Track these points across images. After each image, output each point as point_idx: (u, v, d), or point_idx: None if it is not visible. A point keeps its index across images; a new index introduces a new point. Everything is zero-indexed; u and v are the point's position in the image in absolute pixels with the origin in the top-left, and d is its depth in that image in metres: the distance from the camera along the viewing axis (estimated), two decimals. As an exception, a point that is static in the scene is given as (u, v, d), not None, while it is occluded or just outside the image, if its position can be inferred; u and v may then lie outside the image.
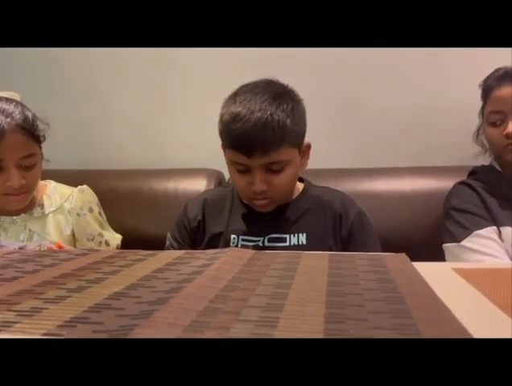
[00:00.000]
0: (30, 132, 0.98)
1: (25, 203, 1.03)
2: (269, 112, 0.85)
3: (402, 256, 0.60)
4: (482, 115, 1.09)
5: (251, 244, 0.93)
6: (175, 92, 1.47)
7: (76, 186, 1.15)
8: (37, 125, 1.00)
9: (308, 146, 0.97)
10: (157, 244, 1.03)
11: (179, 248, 0.97)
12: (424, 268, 0.56)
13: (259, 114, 0.85)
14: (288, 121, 0.87)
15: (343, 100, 1.39)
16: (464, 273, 0.53)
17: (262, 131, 0.84)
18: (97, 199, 1.16)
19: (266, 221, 0.95)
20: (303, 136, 0.94)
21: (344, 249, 0.94)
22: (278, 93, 0.89)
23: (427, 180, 1.24)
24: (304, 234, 0.94)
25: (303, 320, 0.37)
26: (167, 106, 1.48)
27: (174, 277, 0.50)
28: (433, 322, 0.37)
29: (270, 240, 0.94)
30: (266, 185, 0.88)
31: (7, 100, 0.99)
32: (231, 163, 0.92)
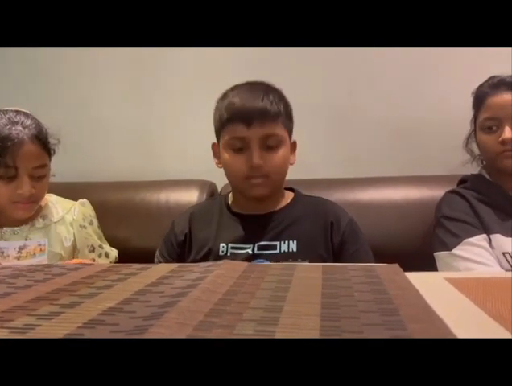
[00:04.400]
0: (45, 144, 1.04)
1: (31, 213, 1.06)
2: (266, 93, 0.94)
3: (395, 266, 0.60)
4: (474, 122, 1.10)
5: (241, 251, 0.94)
6: (167, 103, 1.47)
7: (68, 198, 1.16)
8: (49, 139, 1.06)
9: (295, 144, 1.01)
10: (150, 256, 1.03)
11: (167, 264, 0.98)
12: (417, 278, 0.56)
13: (257, 93, 0.93)
14: (281, 105, 0.95)
15: (335, 111, 1.40)
16: (457, 283, 0.53)
17: (261, 101, 0.92)
18: (94, 212, 1.18)
19: (256, 229, 0.95)
20: (292, 129, 1.00)
21: (336, 258, 0.95)
22: (271, 87, 0.97)
23: (418, 189, 1.25)
24: (295, 241, 0.94)
25: (298, 333, 0.37)
26: (159, 117, 1.48)
27: (168, 290, 0.50)
28: (427, 332, 0.37)
29: (259, 248, 0.94)
30: (263, 160, 0.92)
31: (24, 113, 1.05)
32: (228, 144, 0.95)
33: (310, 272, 0.57)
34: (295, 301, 0.46)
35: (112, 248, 1.19)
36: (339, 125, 1.40)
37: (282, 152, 0.94)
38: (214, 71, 1.40)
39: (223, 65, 1.40)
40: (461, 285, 0.52)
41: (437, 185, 1.21)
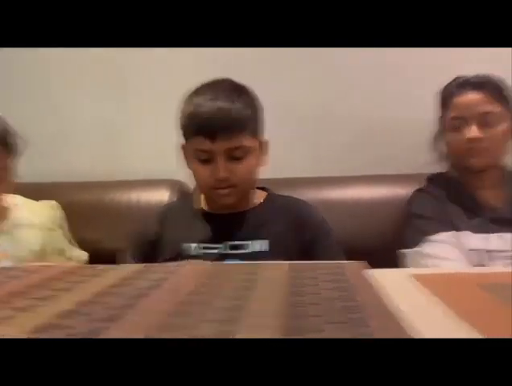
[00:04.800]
0: (4, 143, 1.00)
1: None
2: (231, 100, 0.89)
3: (363, 263, 0.60)
4: (441, 122, 1.12)
5: (212, 251, 0.93)
6: (135, 103, 1.45)
7: (35, 200, 1.12)
8: (11, 138, 1.01)
9: (266, 143, 0.99)
10: (122, 258, 1.01)
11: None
12: (384, 274, 0.56)
13: (222, 101, 0.89)
14: (249, 110, 0.91)
15: (302, 110, 1.40)
16: (424, 279, 0.53)
17: (225, 115, 0.88)
18: (64, 214, 1.14)
19: (227, 228, 0.94)
20: (262, 130, 0.97)
21: (307, 257, 0.94)
22: (237, 87, 0.94)
23: (386, 188, 1.26)
24: (267, 241, 0.93)
25: (260, 333, 0.37)
26: (127, 116, 1.45)
27: (130, 291, 0.49)
28: (389, 330, 0.37)
29: (231, 247, 0.93)
30: (229, 173, 0.89)
31: None
32: (194, 154, 0.93)
33: (276, 270, 0.56)
34: (260, 300, 0.45)
35: (82, 251, 1.15)
36: (307, 124, 1.40)
37: (249, 162, 0.92)
38: (181, 71, 1.38)
39: (190, 65, 1.38)
40: (428, 281, 0.53)
41: (405, 183, 1.23)
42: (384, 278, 0.54)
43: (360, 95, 1.38)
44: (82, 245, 1.18)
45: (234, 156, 0.90)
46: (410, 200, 1.11)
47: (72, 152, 1.47)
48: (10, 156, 1.02)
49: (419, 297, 0.49)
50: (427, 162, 1.18)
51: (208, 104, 0.88)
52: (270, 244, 0.93)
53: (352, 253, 1.19)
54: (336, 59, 1.36)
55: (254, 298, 0.46)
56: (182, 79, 1.21)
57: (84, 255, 1.15)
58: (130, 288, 0.50)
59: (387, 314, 0.40)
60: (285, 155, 1.36)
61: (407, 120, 1.36)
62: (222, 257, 0.92)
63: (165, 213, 1.02)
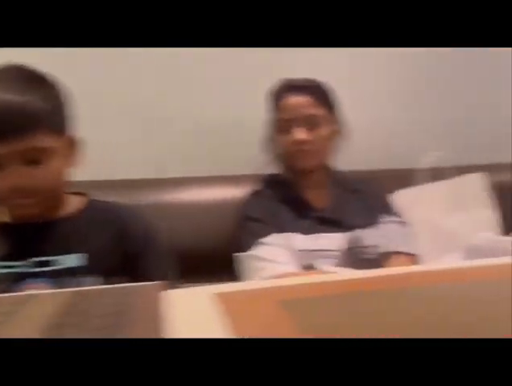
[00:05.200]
0: None
1: None
2: (22, 92, 0.75)
3: (161, 285, 0.53)
4: (271, 124, 1.12)
5: (11, 270, 0.78)
6: None
7: None
8: None
9: (76, 141, 0.84)
10: None
11: None
12: (183, 294, 0.51)
13: (12, 93, 0.74)
14: (48, 103, 0.77)
15: (141, 110, 1.32)
16: (224, 298, 0.49)
17: (14, 112, 0.73)
18: None
19: (32, 242, 0.81)
20: (66, 125, 0.82)
21: (130, 269, 0.86)
22: (32, 76, 0.79)
23: (226, 189, 1.24)
24: (83, 255, 0.82)
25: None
26: None
27: None
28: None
29: (38, 264, 0.80)
30: (26, 179, 0.75)
31: None
32: None
33: (46, 301, 0.47)
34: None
35: None
36: (144, 125, 1.32)
37: (51, 164, 0.78)
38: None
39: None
40: (227, 300, 0.48)
41: (245, 184, 1.21)
42: (181, 299, 0.48)
43: (200, 95, 1.34)
44: None
45: (30, 159, 0.75)
46: (244, 202, 1.09)
47: None
48: None
49: (210, 318, 0.43)
50: (264, 163, 1.18)
51: None
52: (87, 258, 0.82)
53: (190, 258, 1.15)
54: (180, 60, 1.30)
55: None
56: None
57: None
58: None
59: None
60: (121, 155, 1.26)
61: (244, 120, 1.35)
62: (24, 277, 0.78)
63: None
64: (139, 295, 0.49)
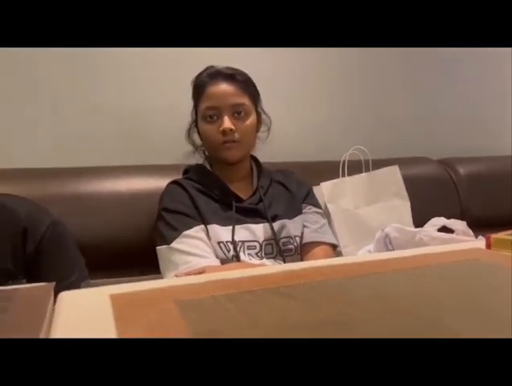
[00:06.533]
0: None
1: None
2: None
3: (51, 285, 0.48)
4: (196, 112, 1.08)
5: None
6: None
7: None
8: None
9: None
10: None
11: None
12: (79, 296, 0.47)
13: None
14: None
15: (55, 98, 1.22)
16: (119, 300, 0.45)
17: None
18: None
19: None
20: None
21: (32, 270, 0.78)
22: None
23: (144, 179, 1.18)
24: None
25: None
26: None
27: None
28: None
29: None
30: None
31: None
32: None
33: None
34: None
35: None
36: (55, 111, 1.23)
37: None
38: None
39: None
40: (120, 301, 0.44)
41: (164, 175, 1.16)
42: (74, 300, 0.44)
43: (117, 84, 1.27)
44: None
45: None
46: (163, 193, 1.04)
47: None
48: None
49: (95, 319, 0.40)
50: (186, 153, 1.14)
51: None
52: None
53: (106, 250, 1.08)
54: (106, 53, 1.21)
55: None
56: None
57: None
58: None
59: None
60: (23, 143, 1.16)
61: (165, 109, 1.30)
62: None
63: None
64: (27, 297, 0.44)
